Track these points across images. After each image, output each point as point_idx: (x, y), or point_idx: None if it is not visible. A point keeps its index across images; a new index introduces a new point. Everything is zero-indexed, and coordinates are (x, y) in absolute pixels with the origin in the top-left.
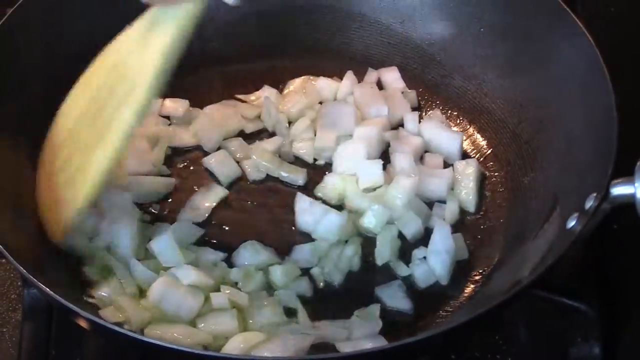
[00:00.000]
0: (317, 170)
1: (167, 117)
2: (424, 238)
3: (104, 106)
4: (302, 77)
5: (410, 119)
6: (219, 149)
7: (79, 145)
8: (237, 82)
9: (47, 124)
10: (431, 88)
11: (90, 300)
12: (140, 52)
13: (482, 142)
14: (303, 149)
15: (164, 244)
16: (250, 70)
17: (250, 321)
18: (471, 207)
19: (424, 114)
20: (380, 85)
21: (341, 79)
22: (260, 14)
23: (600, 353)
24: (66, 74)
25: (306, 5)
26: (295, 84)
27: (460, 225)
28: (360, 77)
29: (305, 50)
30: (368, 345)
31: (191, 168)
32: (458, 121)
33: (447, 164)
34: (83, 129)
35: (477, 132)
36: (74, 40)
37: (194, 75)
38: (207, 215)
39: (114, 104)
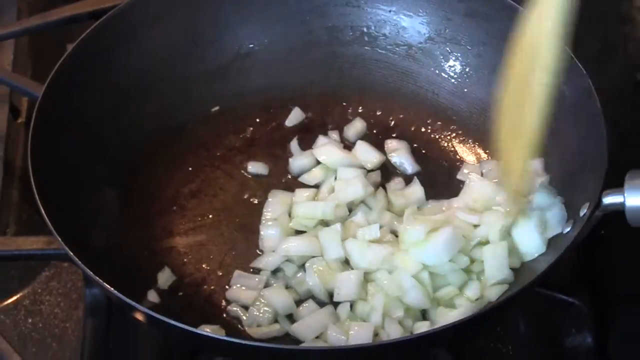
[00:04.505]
0: None
1: None
2: None
3: (527, 78)
4: None
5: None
6: None
7: (516, 113)
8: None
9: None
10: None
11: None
12: (539, 24)
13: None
14: None
15: None
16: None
17: None
18: None
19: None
20: None
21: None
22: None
23: (592, 342)
24: (126, 109)
25: None
26: None
27: None
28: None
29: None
30: None
31: None
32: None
33: None
34: (516, 99)
35: (481, 150)
36: (132, 75)
37: None
38: None
39: (534, 73)
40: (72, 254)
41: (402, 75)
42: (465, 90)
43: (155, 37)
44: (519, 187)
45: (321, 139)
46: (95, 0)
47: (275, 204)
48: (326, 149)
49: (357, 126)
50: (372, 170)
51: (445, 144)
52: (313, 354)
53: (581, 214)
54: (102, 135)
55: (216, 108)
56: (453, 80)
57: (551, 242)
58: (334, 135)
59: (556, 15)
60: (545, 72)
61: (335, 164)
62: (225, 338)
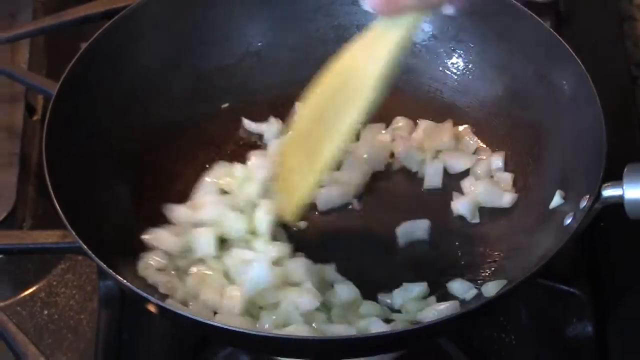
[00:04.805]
0: None
1: None
2: None
3: (333, 105)
4: None
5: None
6: None
7: (311, 137)
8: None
9: (119, 154)
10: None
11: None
12: (365, 59)
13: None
14: None
15: None
16: None
17: None
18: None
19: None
20: None
21: None
22: None
23: (592, 331)
24: (138, 106)
25: None
26: None
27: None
28: None
29: None
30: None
31: None
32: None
33: None
34: (315, 124)
35: (482, 143)
36: (144, 73)
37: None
38: None
39: (341, 104)
40: (85, 247)
41: (407, 72)
42: (467, 86)
43: (166, 36)
44: (292, 207)
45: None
46: (108, 0)
47: (213, 176)
48: None
49: None
50: None
51: None
52: (315, 344)
53: (581, 206)
54: (114, 132)
55: (226, 105)
56: (456, 77)
57: (552, 234)
58: None
59: (384, 57)
60: (354, 110)
61: None
62: (236, 328)
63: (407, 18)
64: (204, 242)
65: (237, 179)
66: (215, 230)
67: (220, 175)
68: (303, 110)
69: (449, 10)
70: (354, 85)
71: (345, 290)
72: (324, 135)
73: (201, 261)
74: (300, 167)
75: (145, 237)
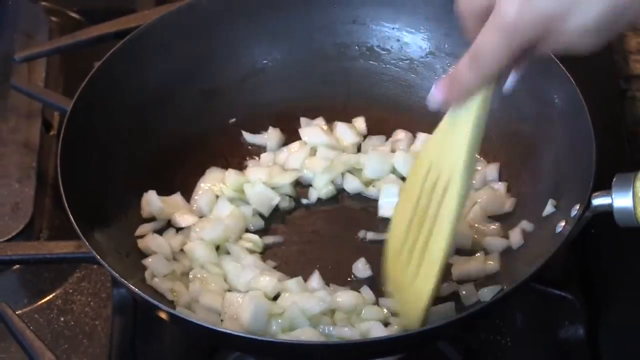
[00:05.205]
0: None
1: None
2: None
3: (428, 205)
4: None
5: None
6: None
7: (415, 242)
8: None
9: (131, 167)
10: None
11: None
12: (447, 152)
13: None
14: None
15: None
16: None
17: None
18: None
19: None
20: None
21: None
22: None
23: (584, 334)
24: (148, 122)
25: None
26: None
27: None
28: None
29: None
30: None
31: None
32: None
33: None
34: (415, 228)
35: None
36: (154, 89)
37: None
38: None
39: (436, 202)
40: (99, 257)
41: (406, 88)
42: None
43: (175, 54)
44: (417, 315)
45: (303, 120)
46: (120, 21)
47: (208, 180)
48: (310, 129)
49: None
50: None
51: None
52: (321, 348)
53: (572, 214)
54: (125, 146)
55: (233, 120)
56: None
57: (545, 241)
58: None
59: (466, 144)
60: (452, 202)
61: (316, 143)
62: (245, 335)
63: (475, 99)
64: (203, 252)
65: (230, 185)
66: (212, 241)
67: (214, 181)
68: (396, 219)
69: (512, 79)
70: (444, 179)
71: (366, 291)
72: (428, 235)
73: (200, 265)
74: (414, 274)
75: (141, 242)
